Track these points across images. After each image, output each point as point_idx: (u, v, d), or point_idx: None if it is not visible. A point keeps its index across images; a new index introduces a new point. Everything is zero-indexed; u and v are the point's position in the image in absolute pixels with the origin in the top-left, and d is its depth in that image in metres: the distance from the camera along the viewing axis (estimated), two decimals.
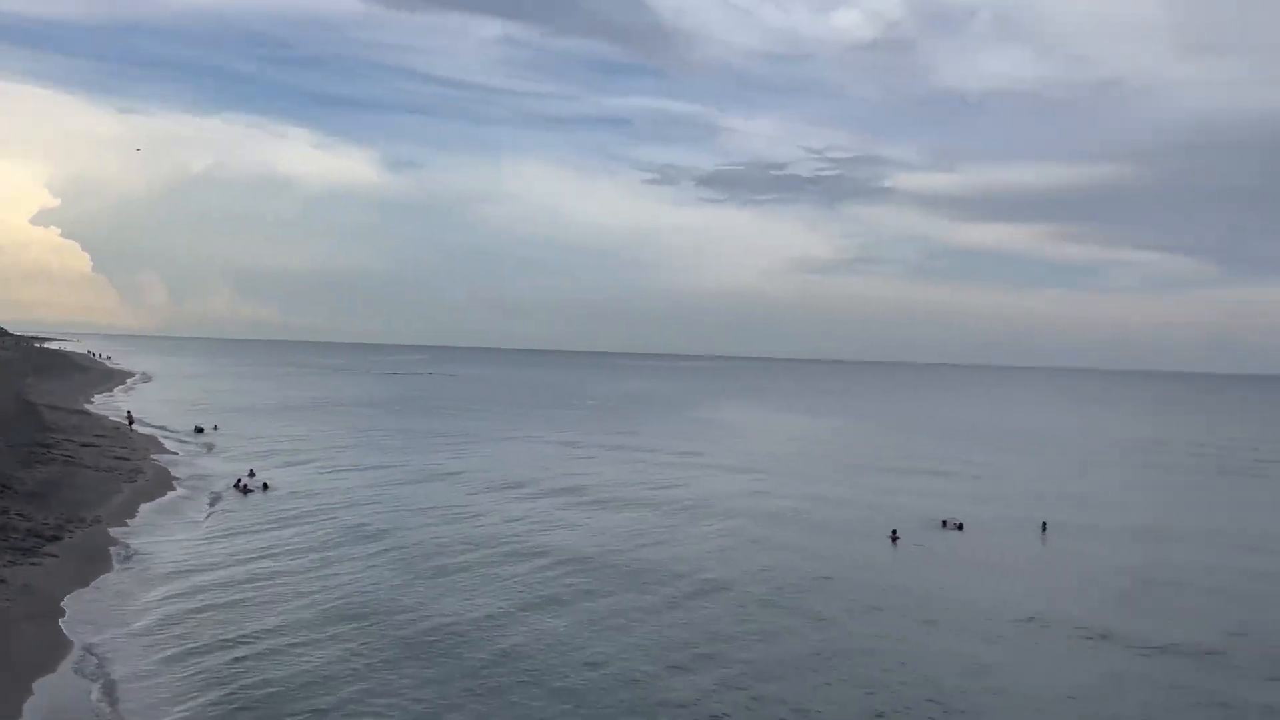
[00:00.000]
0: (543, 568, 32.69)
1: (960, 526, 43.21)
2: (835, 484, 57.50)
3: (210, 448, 63.45)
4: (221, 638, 23.97)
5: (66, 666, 21.74)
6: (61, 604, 26.08)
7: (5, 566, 27.92)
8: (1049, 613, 29.34)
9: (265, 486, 47.53)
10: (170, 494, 44.59)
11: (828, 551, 37.68)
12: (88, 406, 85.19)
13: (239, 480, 48.29)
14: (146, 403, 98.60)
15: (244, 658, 22.58)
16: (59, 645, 22.98)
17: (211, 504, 42.91)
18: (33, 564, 28.89)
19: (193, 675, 21.38)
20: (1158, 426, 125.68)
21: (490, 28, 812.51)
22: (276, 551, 33.94)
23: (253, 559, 32.68)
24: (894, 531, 41.31)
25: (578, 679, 22.06)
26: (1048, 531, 43.30)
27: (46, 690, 20.36)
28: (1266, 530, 46.24)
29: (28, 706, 19.48)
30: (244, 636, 24.13)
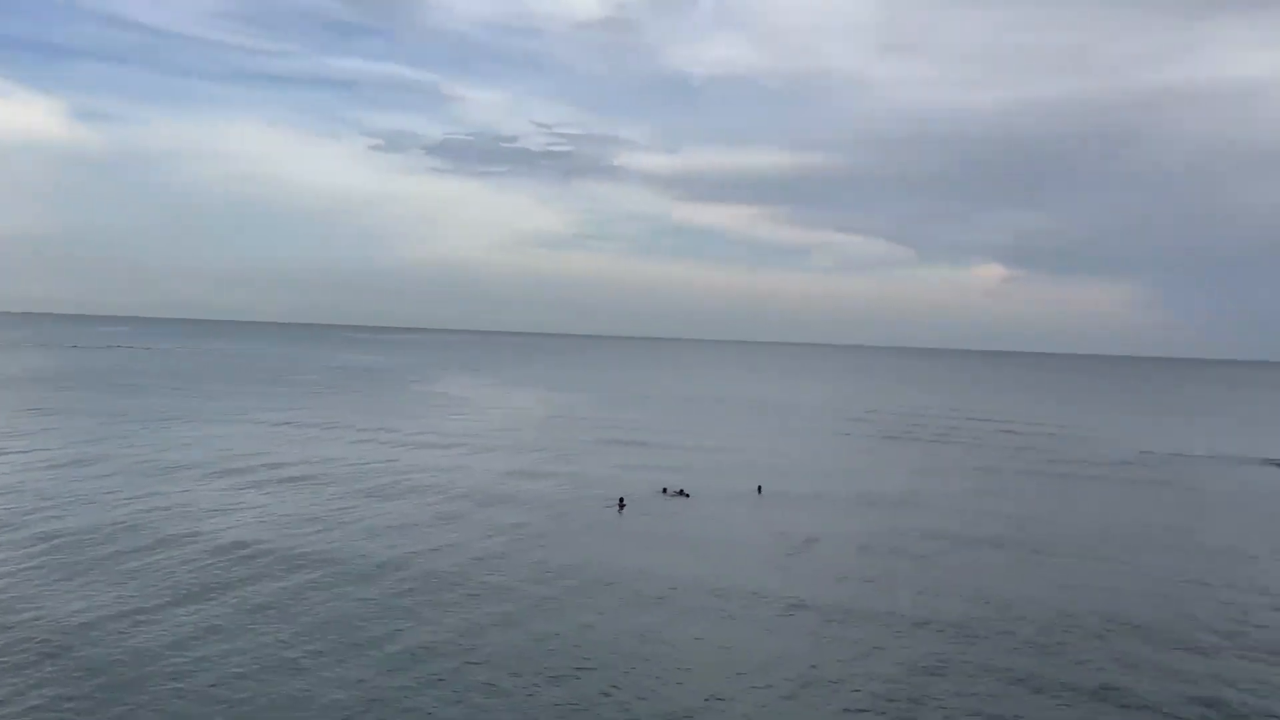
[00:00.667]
0: (197, 557, 29.74)
1: (682, 493, 44.54)
2: (559, 456, 57.91)
3: None
4: None
5: None
6: None
7: None
8: (753, 579, 30.69)
9: None
10: None
11: (545, 523, 37.57)
12: None
13: None
14: None
15: None
16: None
17: None
18: None
19: None
20: (866, 397, 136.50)
21: None
22: None
23: None
24: (621, 500, 41.97)
25: (218, 673, 20.31)
26: (763, 495, 45.66)
27: None
28: (945, 492, 51.07)
29: None
30: None
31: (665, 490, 45.09)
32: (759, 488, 46.87)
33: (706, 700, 19.82)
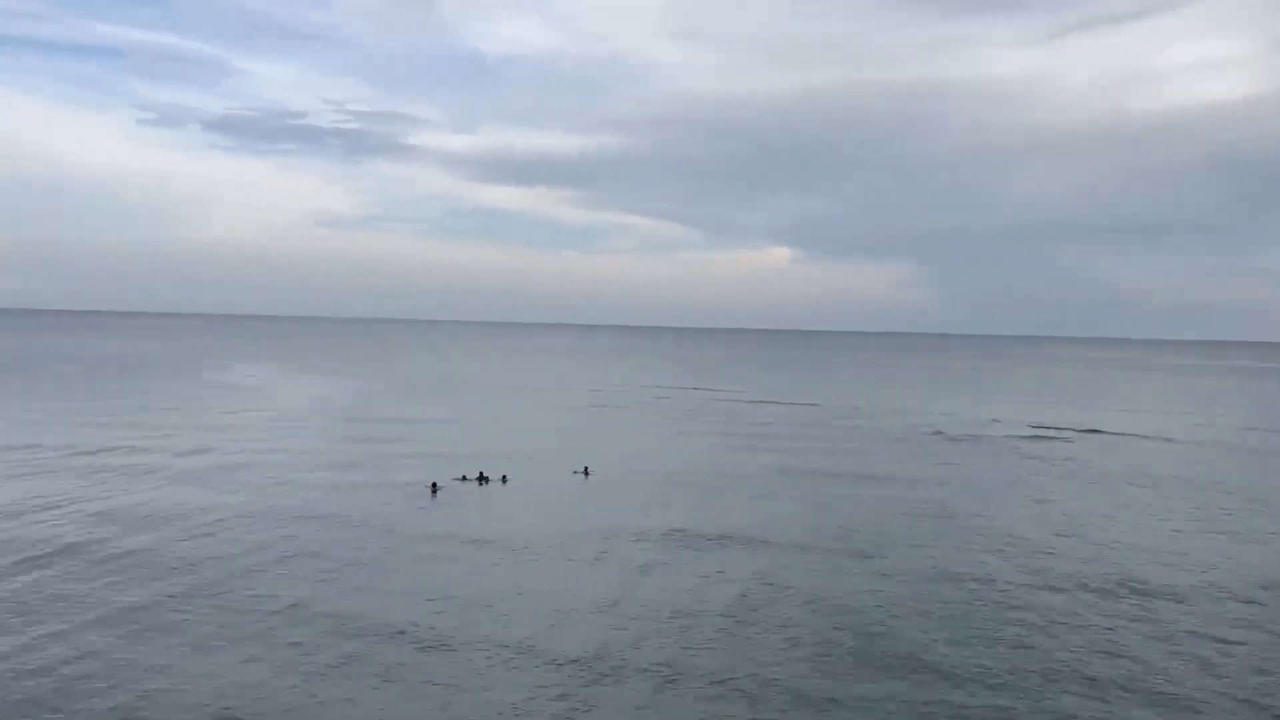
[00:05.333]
0: None
1: (504, 479, 45.30)
2: (361, 440, 57.44)
3: None
4: None
5: None
6: None
7: None
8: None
9: None
10: None
11: (371, 505, 37.75)
12: None
13: None
14: None
15: None
16: None
17: None
18: None
19: None
20: (673, 376, 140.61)
21: None
22: None
23: None
24: (434, 485, 42.59)
25: None
26: (591, 475, 47.38)
27: None
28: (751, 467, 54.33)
29: None
30: None
31: (469, 477, 45.80)
32: (585, 469, 48.32)
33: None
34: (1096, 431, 72.73)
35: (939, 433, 69.89)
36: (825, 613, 25.49)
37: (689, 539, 33.75)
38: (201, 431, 59.99)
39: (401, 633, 23.16)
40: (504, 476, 45.81)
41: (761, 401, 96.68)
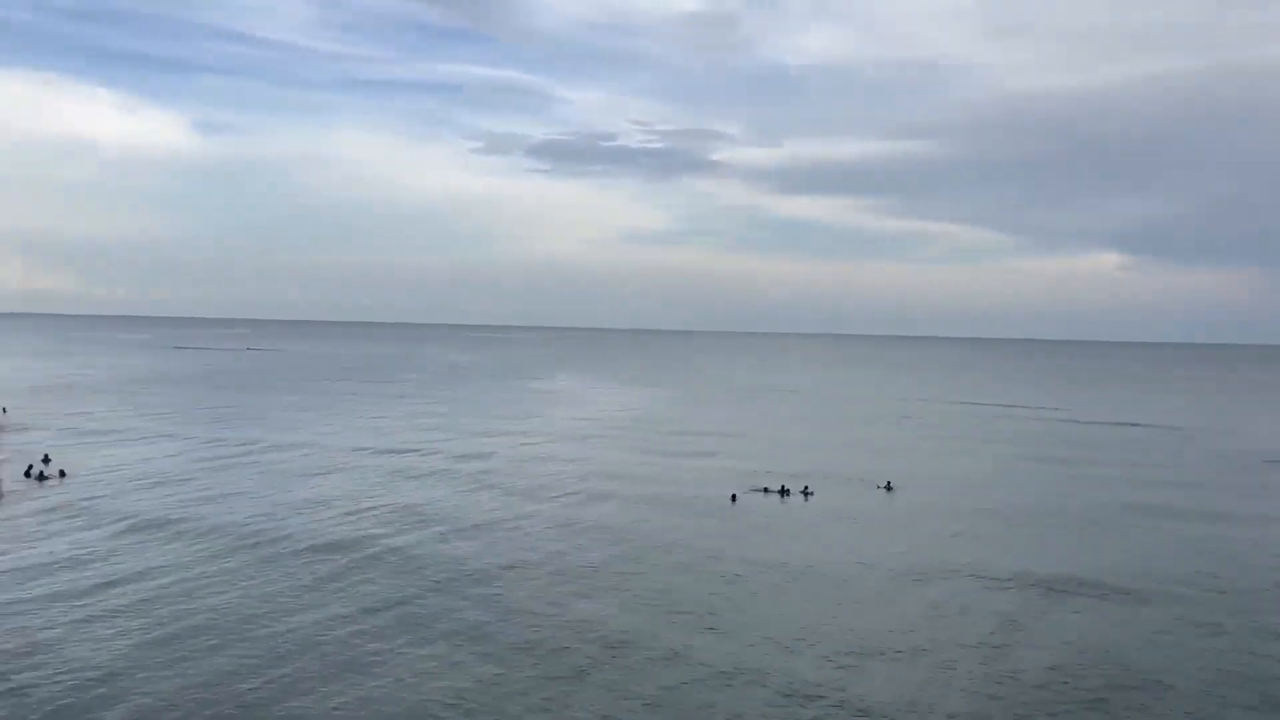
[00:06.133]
0: (316, 561, 31.58)
1: (806, 493, 44.41)
2: (665, 452, 58.49)
3: (0, 431, 58.65)
4: (10, 637, 22.22)
5: None
6: None
7: None
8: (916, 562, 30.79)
9: (62, 474, 44.29)
10: None
11: (667, 519, 38.24)
12: None
13: (31, 466, 44.82)
14: None
15: (32, 658, 20.98)
16: None
17: (1, 494, 39.60)
18: None
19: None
20: (991, 392, 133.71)
21: None
22: (73, 544, 31.64)
23: (47, 552, 30.37)
24: (733, 496, 42.75)
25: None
26: (893, 491, 45.60)
27: None
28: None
29: None
30: (34, 636, 22.42)
31: (768, 489, 45.32)
32: (888, 484, 46.86)
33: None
34: None
35: None
36: (1169, 684, 21.83)
37: (1002, 579, 30.04)
38: (515, 436, 63.69)
39: (677, 655, 22.27)
40: (805, 489, 44.94)
41: (1081, 421, 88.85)
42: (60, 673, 20.24)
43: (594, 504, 41.13)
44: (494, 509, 39.33)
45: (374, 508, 38.89)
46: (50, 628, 23.02)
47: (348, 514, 37.54)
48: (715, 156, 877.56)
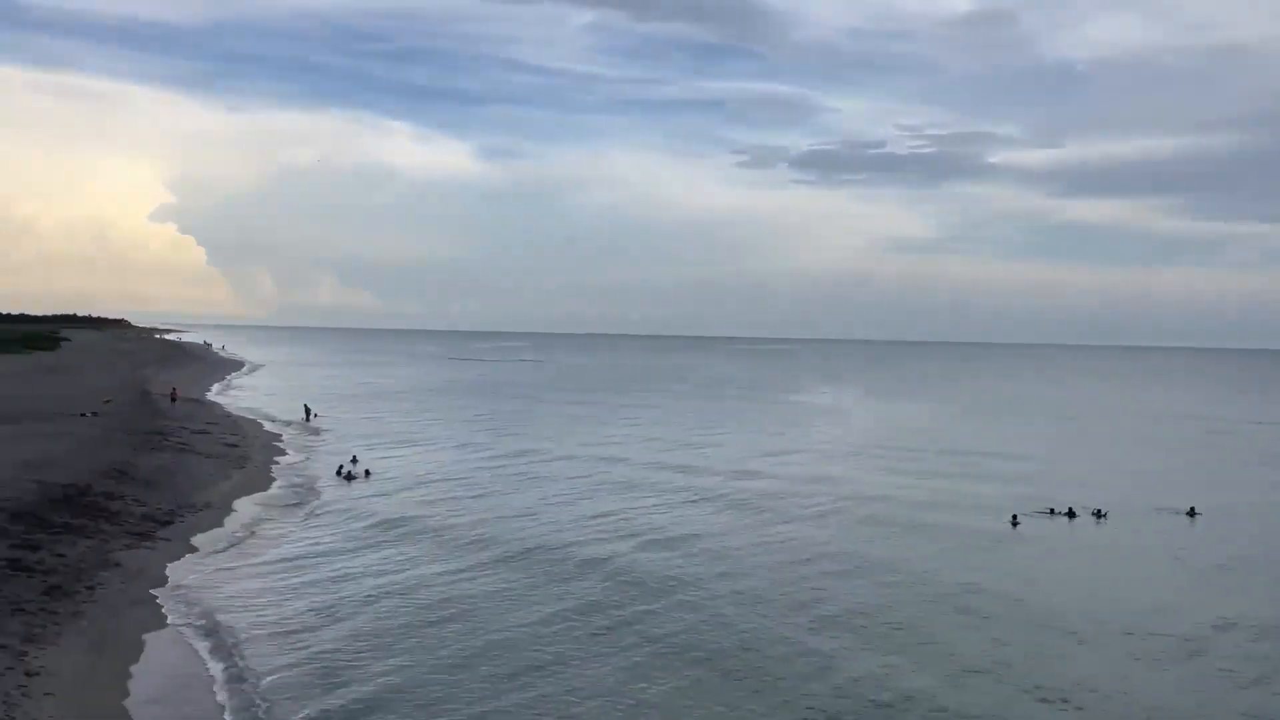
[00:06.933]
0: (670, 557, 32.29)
1: (1099, 515, 41.33)
2: (939, 470, 56.08)
3: (315, 433, 65.20)
4: (327, 622, 24.44)
5: (174, 646, 22.40)
6: (170, 586, 26.94)
7: (122, 550, 29.02)
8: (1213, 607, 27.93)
9: (367, 473, 48.50)
10: (276, 480, 45.81)
11: (934, 545, 36.64)
12: (204, 395, 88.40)
13: (341, 466, 49.38)
14: (255, 390, 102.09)
15: (348, 644, 22.93)
16: (167, 625, 23.69)
17: (314, 490, 43.89)
18: (146, 548, 29.98)
19: (294, 661, 21.80)
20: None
21: (582, 15, 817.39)
22: (379, 538, 34.50)
23: (356, 545, 33.31)
24: (1014, 517, 40.11)
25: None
26: (1196, 518, 41.55)
27: (154, 668, 21.04)
28: None
29: (134, 685, 20.11)
30: (350, 622, 24.53)
31: (1053, 511, 42.35)
32: (1190, 510, 42.58)
33: None
34: None
35: None
36: None
37: None
38: (774, 452, 63.25)
39: (943, 710, 19.76)
40: (1099, 512, 41.60)
41: None
42: (321, 637, 22.05)
43: (855, 528, 39.31)
44: (743, 528, 38.13)
45: (624, 519, 39.74)
46: (343, 601, 25.20)
47: (604, 528, 38.52)
48: (991, 160, 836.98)
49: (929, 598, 28.28)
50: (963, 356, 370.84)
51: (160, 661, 21.45)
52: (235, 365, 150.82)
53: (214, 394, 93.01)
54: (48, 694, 18.24)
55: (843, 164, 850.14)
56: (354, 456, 52.47)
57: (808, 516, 40.79)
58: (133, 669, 20.83)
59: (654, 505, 42.26)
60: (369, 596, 26.79)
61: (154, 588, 26.56)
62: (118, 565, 27.47)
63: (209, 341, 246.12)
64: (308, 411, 74.07)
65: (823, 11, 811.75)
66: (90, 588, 24.99)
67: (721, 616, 25.86)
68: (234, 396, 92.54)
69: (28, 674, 18.90)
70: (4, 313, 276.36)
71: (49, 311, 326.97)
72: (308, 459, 53.33)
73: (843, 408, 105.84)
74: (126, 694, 19.56)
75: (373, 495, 43.03)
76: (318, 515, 38.38)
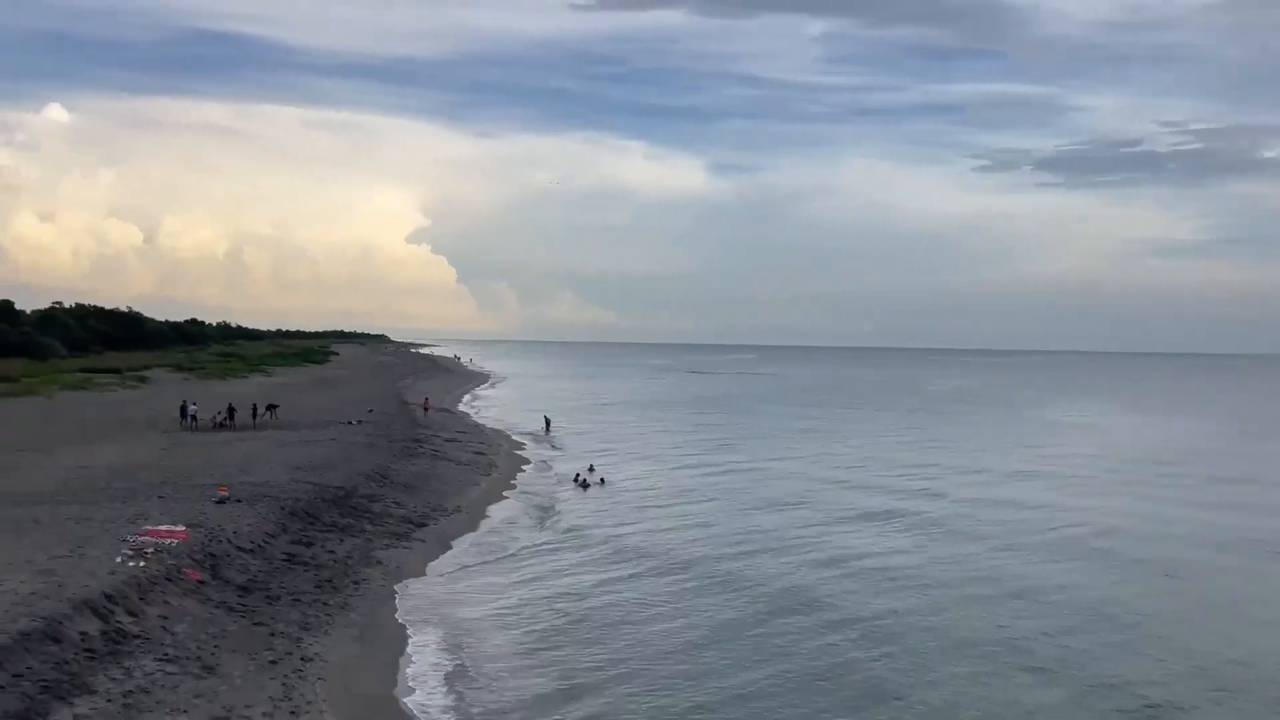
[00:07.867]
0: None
1: None
2: (1201, 497, 51.04)
3: (555, 443, 67.79)
4: (572, 628, 25.19)
5: (432, 641, 23.70)
6: (426, 583, 28.61)
7: (383, 549, 31.16)
8: None
9: (603, 481, 49.84)
10: (519, 488, 47.86)
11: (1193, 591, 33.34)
12: (454, 406, 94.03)
13: (578, 475, 50.96)
14: (499, 401, 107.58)
15: (590, 648, 23.48)
16: (424, 621, 25.14)
17: (556, 498, 45.50)
18: (404, 547, 32.05)
19: (540, 662, 22.55)
20: None
21: (813, 26, 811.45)
22: (618, 547, 35.22)
23: (596, 553, 34.19)
24: None
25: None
26: None
27: (416, 660, 22.39)
28: None
29: (399, 675, 21.43)
30: (593, 627, 25.18)
31: None
32: None
33: None
34: None
35: None
36: None
37: None
38: (1012, 472, 59.64)
39: None
40: None
41: None
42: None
43: (1090, 565, 36.12)
44: (959, 560, 34.70)
45: (879, 560, 38.45)
46: (590, 614, 25.82)
47: (855, 571, 37.45)
48: (1268, 154, 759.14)
49: (1183, 673, 23.26)
50: (1234, 370, 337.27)
51: (420, 655, 22.76)
52: (481, 378, 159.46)
53: (463, 405, 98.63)
54: (320, 679, 19.72)
55: (1094, 165, 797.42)
56: (590, 465, 54.02)
57: (1048, 555, 36.47)
58: (399, 660, 22.25)
59: (914, 544, 39.94)
60: (609, 604, 27.36)
61: (413, 583, 28.32)
62: (379, 563, 29.48)
63: (458, 355, 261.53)
64: (547, 423, 77.05)
65: (1068, 6, 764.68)
66: (356, 582, 26.93)
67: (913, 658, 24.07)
68: (480, 406, 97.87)
69: (303, 659, 20.54)
70: (285, 329, 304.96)
71: (321, 327, 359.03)
72: (548, 467, 55.48)
73: (1097, 424, 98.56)
74: (394, 684, 20.89)
75: (610, 504, 44.13)
76: (557, 521, 39.74)
